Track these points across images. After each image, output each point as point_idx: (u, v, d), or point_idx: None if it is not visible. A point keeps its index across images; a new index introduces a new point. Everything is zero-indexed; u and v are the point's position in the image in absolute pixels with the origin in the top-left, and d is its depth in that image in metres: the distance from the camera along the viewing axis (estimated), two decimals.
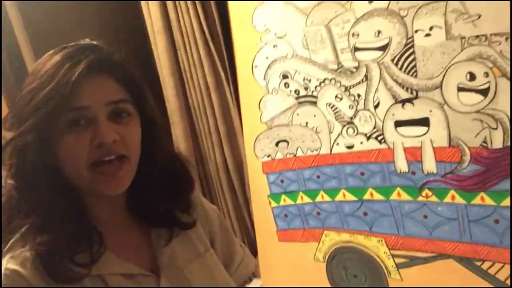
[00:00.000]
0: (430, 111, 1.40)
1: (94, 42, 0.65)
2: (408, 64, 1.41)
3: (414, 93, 1.41)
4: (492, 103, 1.29)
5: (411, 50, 1.39)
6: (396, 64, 1.43)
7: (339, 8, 1.50)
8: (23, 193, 0.62)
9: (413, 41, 1.38)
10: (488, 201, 1.35)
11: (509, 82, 1.25)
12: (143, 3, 1.78)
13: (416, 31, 1.37)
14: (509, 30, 1.23)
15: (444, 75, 1.35)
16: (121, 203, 0.72)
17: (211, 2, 1.76)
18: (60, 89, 0.59)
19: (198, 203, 0.81)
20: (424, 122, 1.42)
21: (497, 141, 1.30)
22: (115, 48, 0.67)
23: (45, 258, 0.60)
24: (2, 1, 1.55)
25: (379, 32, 1.44)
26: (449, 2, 1.30)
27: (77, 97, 0.60)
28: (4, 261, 0.60)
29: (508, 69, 1.25)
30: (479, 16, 1.26)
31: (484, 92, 1.30)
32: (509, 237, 1.32)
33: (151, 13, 1.75)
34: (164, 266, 0.70)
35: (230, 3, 1.73)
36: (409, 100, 1.43)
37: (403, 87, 1.43)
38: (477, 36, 1.28)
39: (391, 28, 1.41)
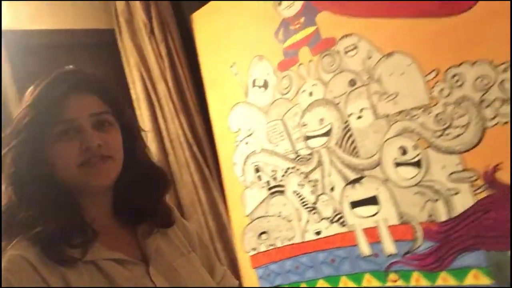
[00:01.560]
0: (377, 189, 1.39)
1: (76, 68, 0.79)
2: (350, 146, 1.45)
3: (360, 172, 1.43)
4: (427, 175, 1.27)
5: (350, 133, 1.45)
6: (340, 147, 1.48)
7: (288, 104, 1.63)
8: (22, 197, 0.70)
9: (349, 124, 1.44)
10: (451, 281, 1.25)
11: (437, 153, 1.24)
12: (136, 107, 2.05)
13: (350, 115, 1.44)
14: (424, 103, 1.25)
15: (380, 153, 1.37)
16: (108, 206, 0.79)
17: (193, 110, 1.99)
18: (47, 107, 0.70)
19: (177, 217, 0.88)
20: (373, 200, 1.41)
21: (442, 213, 1.25)
22: (94, 72, 0.80)
23: (44, 244, 0.67)
24: None
25: (321, 120, 1.52)
26: (370, 85, 1.37)
27: (65, 111, 0.71)
28: (6, 253, 0.68)
29: (433, 139, 1.24)
30: (397, 94, 1.31)
31: (418, 165, 1.28)
32: None
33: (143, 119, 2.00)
34: (152, 257, 0.76)
35: (211, 109, 1.95)
36: (357, 180, 1.44)
37: (350, 168, 1.46)
38: (399, 112, 1.31)
39: (331, 115, 1.49)
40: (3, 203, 0.71)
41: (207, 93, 1.96)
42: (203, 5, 1.97)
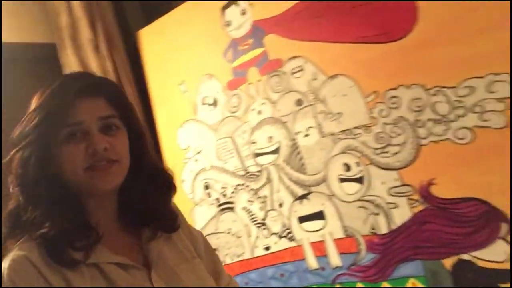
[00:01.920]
0: (323, 204, 1.45)
1: (85, 72, 0.79)
2: (298, 163, 1.51)
3: (307, 188, 1.49)
4: (369, 190, 1.34)
5: (297, 150, 1.50)
6: (288, 164, 1.53)
7: (237, 122, 1.67)
8: (28, 198, 0.71)
9: (297, 142, 1.50)
10: None
11: (377, 170, 1.32)
12: None
13: (297, 133, 1.49)
14: (365, 123, 1.34)
15: (326, 169, 1.43)
16: (113, 209, 0.79)
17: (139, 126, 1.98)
18: (56, 109, 0.71)
19: (183, 221, 0.87)
20: (320, 215, 1.46)
21: (382, 226, 1.33)
22: (103, 76, 0.83)
23: (48, 245, 0.68)
24: None
25: (270, 137, 1.57)
26: (316, 105, 1.44)
27: (73, 115, 0.71)
28: (12, 252, 0.69)
29: (374, 156, 1.33)
30: (340, 114, 1.39)
31: (360, 181, 1.36)
32: None
33: None
34: (154, 261, 0.76)
35: (159, 126, 1.94)
36: (305, 196, 1.50)
37: (297, 185, 1.51)
38: (343, 131, 1.38)
39: (279, 134, 1.54)
40: (11, 204, 0.73)
41: (155, 111, 1.95)
42: (150, 22, 1.97)
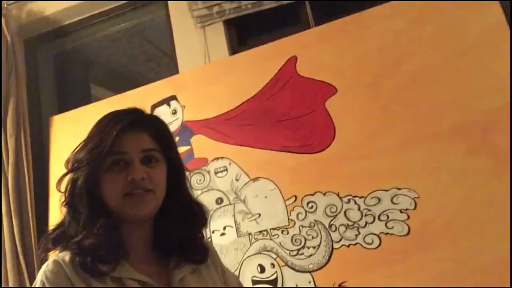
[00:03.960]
0: None
1: (137, 108, 0.86)
2: None
3: None
4: None
5: None
6: None
7: None
8: (74, 215, 0.79)
9: (211, 240, 1.49)
10: None
11: (291, 271, 1.36)
12: None
13: (213, 232, 1.49)
14: (283, 224, 1.41)
15: (240, 269, 1.42)
16: (147, 235, 0.83)
17: (29, 214, 1.77)
18: (105, 139, 0.78)
19: (217, 260, 0.92)
20: None
21: None
22: (152, 114, 0.91)
23: (81, 255, 0.75)
24: None
25: None
26: (236, 204, 1.49)
27: (118, 145, 0.79)
28: (50, 258, 0.77)
29: (289, 258, 1.37)
30: (260, 215, 1.45)
31: (274, 283, 1.37)
32: None
33: None
34: (175, 285, 0.79)
35: (51, 215, 1.75)
36: None
37: None
38: (260, 232, 1.43)
39: None
40: (59, 220, 0.81)
41: (50, 199, 1.79)
42: (65, 110, 1.94)
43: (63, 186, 0.82)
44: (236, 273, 1.42)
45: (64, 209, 0.81)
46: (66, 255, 0.76)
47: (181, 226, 0.84)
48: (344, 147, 1.38)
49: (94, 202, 0.78)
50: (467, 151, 1.25)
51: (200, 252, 0.86)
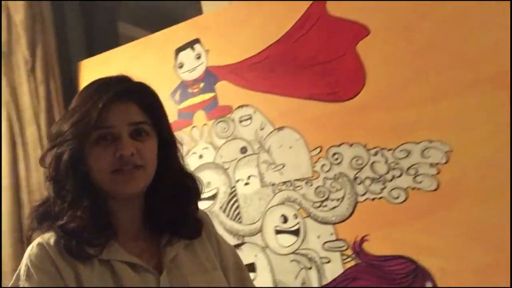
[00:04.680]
0: (255, 255, 1.42)
1: (124, 75, 0.81)
2: (234, 211, 1.48)
3: (241, 239, 1.45)
4: (304, 243, 1.35)
5: (235, 199, 1.48)
6: (224, 212, 1.49)
7: None
8: (58, 192, 0.75)
9: (235, 190, 1.49)
10: None
11: (314, 223, 1.35)
12: None
13: (238, 181, 1.49)
14: (307, 176, 1.38)
15: (263, 219, 1.42)
16: (138, 212, 0.80)
17: None
18: (90, 112, 0.73)
19: (212, 232, 0.87)
20: (251, 268, 1.42)
21: (314, 281, 1.32)
22: (140, 81, 0.83)
23: (66, 238, 0.72)
24: None
25: (208, 183, 1.54)
26: (260, 154, 1.46)
27: (105, 119, 0.74)
28: (36, 240, 0.74)
29: (312, 209, 1.35)
30: (284, 165, 1.42)
31: (296, 233, 1.37)
32: None
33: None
34: (166, 266, 0.76)
35: None
36: (237, 246, 1.45)
37: (231, 234, 1.47)
38: (284, 182, 1.41)
39: (218, 179, 1.52)
40: (45, 196, 0.78)
41: None
42: (93, 55, 1.93)
43: (47, 161, 0.78)
44: (259, 224, 1.43)
45: (47, 186, 0.77)
46: (51, 237, 0.73)
47: (174, 201, 0.81)
48: (374, 95, 1.29)
49: (81, 179, 0.75)
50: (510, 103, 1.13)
51: (193, 227, 0.83)
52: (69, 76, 2.04)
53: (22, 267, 0.72)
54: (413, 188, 1.22)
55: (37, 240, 0.74)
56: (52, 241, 0.73)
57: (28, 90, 1.84)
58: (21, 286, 0.70)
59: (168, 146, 0.81)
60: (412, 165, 1.22)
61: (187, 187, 0.82)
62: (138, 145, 0.75)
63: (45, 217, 0.76)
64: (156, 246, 0.79)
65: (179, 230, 0.81)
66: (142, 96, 0.79)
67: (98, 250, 0.73)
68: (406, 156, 1.23)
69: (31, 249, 0.73)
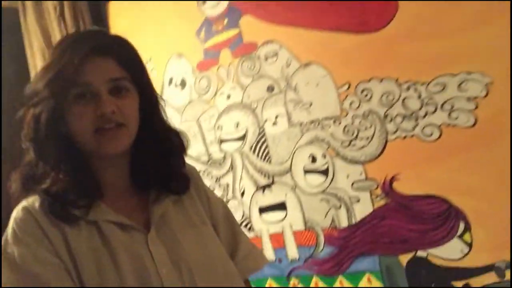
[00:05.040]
0: (286, 195, 1.42)
1: (99, 29, 0.78)
2: (263, 152, 1.47)
3: (271, 178, 1.45)
4: (333, 183, 1.32)
5: (264, 139, 1.47)
6: (254, 152, 1.49)
7: (205, 105, 1.61)
8: (39, 154, 0.72)
9: (264, 130, 1.46)
10: (346, 284, 1.30)
11: (343, 162, 1.31)
12: None
13: (266, 121, 1.46)
14: (335, 114, 1.32)
15: (292, 159, 1.40)
16: (125, 171, 0.78)
17: None
18: (66, 68, 0.70)
19: (201, 186, 0.86)
20: (281, 206, 1.43)
21: (343, 220, 1.31)
22: (117, 35, 0.79)
23: (51, 201, 0.70)
24: None
25: (237, 124, 1.53)
26: (287, 92, 1.40)
27: (82, 75, 0.70)
28: (21, 204, 0.73)
29: (341, 149, 1.31)
30: (311, 104, 1.36)
31: (325, 173, 1.34)
32: None
33: None
34: (154, 223, 0.75)
35: None
36: (268, 186, 1.46)
37: (261, 174, 1.47)
38: (312, 121, 1.36)
39: (246, 120, 1.50)
40: (24, 160, 0.74)
41: None
42: None
43: (25, 123, 0.74)
44: (288, 163, 1.41)
45: (28, 147, 0.74)
46: (35, 201, 0.72)
47: (159, 157, 0.78)
48: (406, 25, 1.17)
49: (62, 140, 0.72)
50: None
51: (181, 183, 0.80)
52: (99, 18, 2.03)
53: (9, 232, 0.70)
54: (448, 125, 1.13)
55: (22, 203, 0.73)
56: (37, 204, 0.71)
57: (59, 35, 1.87)
58: (10, 251, 0.68)
59: (150, 102, 0.78)
60: (448, 99, 1.12)
61: (172, 142, 0.80)
62: (119, 102, 0.72)
63: (28, 180, 0.73)
64: (145, 203, 0.78)
65: (166, 186, 0.79)
66: (120, 51, 0.75)
67: (84, 211, 0.71)
68: (441, 90, 1.13)
69: (16, 213, 0.72)
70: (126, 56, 0.75)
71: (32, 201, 0.72)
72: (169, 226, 0.76)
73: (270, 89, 1.44)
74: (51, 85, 0.70)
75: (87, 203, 0.71)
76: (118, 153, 0.75)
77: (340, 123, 1.30)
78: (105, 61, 0.73)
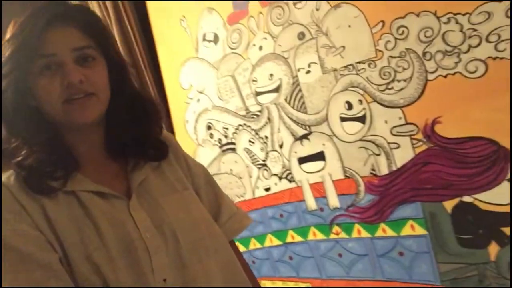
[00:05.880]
0: (323, 144, 1.39)
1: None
2: (298, 101, 1.43)
3: (308, 128, 1.42)
4: (371, 129, 1.27)
5: (298, 88, 1.42)
6: (289, 103, 1.45)
7: (238, 59, 1.58)
8: (10, 129, 0.72)
9: (298, 79, 1.42)
10: (389, 232, 1.28)
11: (380, 107, 1.24)
12: None
13: (299, 70, 1.41)
14: (370, 57, 1.23)
15: (327, 108, 1.36)
16: (99, 140, 0.78)
17: (143, 67, 1.92)
18: (28, 39, 0.69)
19: (179, 152, 0.86)
20: (320, 156, 1.40)
21: (383, 167, 1.26)
22: (79, 3, 0.77)
23: (26, 174, 0.69)
24: None
25: (271, 75, 1.49)
26: (318, 38, 1.33)
27: (45, 45, 0.69)
28: None
29: (377, 93, 1.24)
30: (344, 48, 1.28)
31: (362, 120, 1.28)
32: (416, 271, 1.23)
33: None
34: (135, 190, 0.75)
35: (162, 66, 1.88)
36: (305, 136, 1.43)
37: (298, 124, 1.45)
38: (346, 66, 1.29)
39: (280, 70, 1.46)
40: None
41: (157, 49, 1.87)
42: None
43: None
44: (324, 112, 1.37)
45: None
46: (11, 176, 0.71)
47: (133, 125, 0.77)
48: None
49: (31, 114, 0.71)
50: None
51: (158, 148, 0.79)
52: None
53: None
54: (495, 58, 1.01)
55: None
56: (12, 179, 0.70)
57: (96, 4, 1.89)
58: None
59: (118, 70, 0.76)
60: (493, 30, 1.00)
61: (145, 110, 0.78)
62: (86, 71, 0.71)
63: (1, 155, 0.72)
64: (125, 172, 0.77)
65: (144, 154, 0.78)
66: (83, 19, 0.73)
67: (62, 183, 0.70)
68: (486, 20, 1.01)
69: None
70: (90, 24, 0.73)
71: (8, 176, 0.71)
72: (150, 192, 0.76)
73: (301, 36, 1.38)
74: (14, 57, 0.69)
75: (64, 174, 0.70)
76: (90, 123, 0.73)
77: (375, 66, 1.22)
78: (68, 30, 0.71)
